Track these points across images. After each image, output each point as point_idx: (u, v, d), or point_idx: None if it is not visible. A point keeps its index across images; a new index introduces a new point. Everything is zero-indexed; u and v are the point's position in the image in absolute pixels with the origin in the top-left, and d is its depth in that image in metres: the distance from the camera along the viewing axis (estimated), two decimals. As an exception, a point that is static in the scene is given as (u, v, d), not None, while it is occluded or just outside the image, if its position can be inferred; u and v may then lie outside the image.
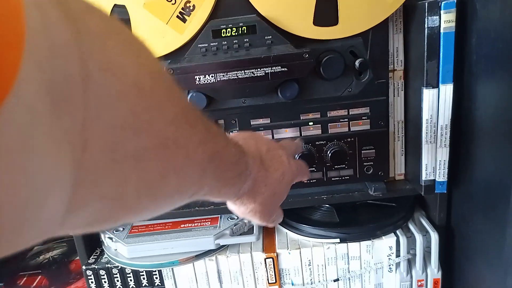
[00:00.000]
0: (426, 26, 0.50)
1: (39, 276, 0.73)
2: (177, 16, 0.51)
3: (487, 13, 0.47)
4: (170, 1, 0.51)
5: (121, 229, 0.64)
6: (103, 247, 0.65)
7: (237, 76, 0.51)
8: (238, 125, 0.57)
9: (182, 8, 0.51)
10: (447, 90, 0.52)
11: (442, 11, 0.49)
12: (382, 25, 0.52)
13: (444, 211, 0.60)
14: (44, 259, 0.78)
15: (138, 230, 0.64)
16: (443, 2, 0.49)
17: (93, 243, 0.66)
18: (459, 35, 0.50)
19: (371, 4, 0.51)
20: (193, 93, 0.54)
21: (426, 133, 0.54)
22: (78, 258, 0.80)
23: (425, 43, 0.50)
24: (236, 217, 0.64)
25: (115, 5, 0.51)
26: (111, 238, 0.62)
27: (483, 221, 0.53)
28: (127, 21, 0.51)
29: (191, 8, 0.51)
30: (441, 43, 0.50)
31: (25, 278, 0.73)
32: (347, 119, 0.57)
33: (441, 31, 0.50)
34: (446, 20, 0.49)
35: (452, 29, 0.50)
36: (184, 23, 0.52)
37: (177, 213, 0.63)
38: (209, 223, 0.64)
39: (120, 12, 0.51)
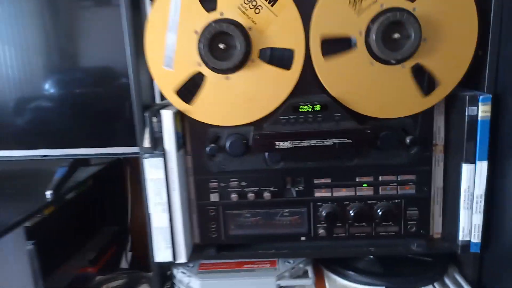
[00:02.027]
0: (466, 114, 0.62)
1: (107, 304, 0.82)
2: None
3: (517, 107, 0.59)
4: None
5: (191, 265, 0.74)
6: (173, 281, 0.74)
7: (310, 144, 0.63)
8: (303, 183, 0.68)
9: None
10: (482, 166, 0.63)
11: (480, 103, 0.61)
12: (429, 109, 0.65)
13: (477, 269, 0.69)
14: (107, 288, 0.87)
15: (207, 267, 0.73)
16: (481, 96, 0.61)
17: (164, 278, 0.75)
18: (494, 122, 0.62)
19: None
20: (270, 153, 0.66)
21: (464, 200, 0.64)
22: (139, 289, 0.89)
23: (465, 128, 0.62)
24: (292, 261, 0.73)
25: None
26: (184, 273, 0.72)
27: (513, 280, 0.61)
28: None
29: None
30: (479, 128, 0.62)
31: (93, 305, 0.82)
32: (396, 183, 0.68)
33: (479, 118, 0.62)
34: (483, 110, 0.61)
35: (488, 117, 0.61)
36: (269, 99, 0.64)
37: (240, 254, 0.72)
38: (269, 265, 0.73)
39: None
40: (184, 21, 0.61)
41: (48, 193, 0.77)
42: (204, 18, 0.60)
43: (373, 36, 0.58)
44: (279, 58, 0.62)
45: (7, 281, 0.72)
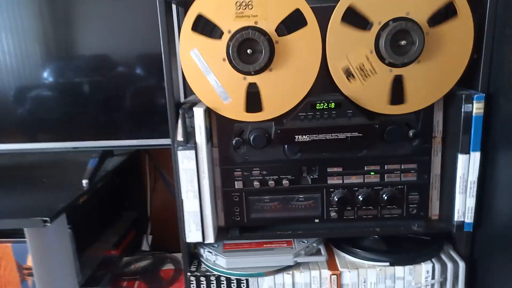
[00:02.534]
0: (462, 110, 0.70)
1: (137, 282, 0.90)
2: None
3: (506, 104, 0.68)
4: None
5: (216, 245, 0.82)
6: (200, 259, 0.83)
7: (325, 138, 0.71)
8: (317, 171, 0.77)
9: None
10: (476, 156, 0.72)
11: (474, 101, 0.70)
12: (430, 106, 0.73)
13: (469, 246, 0.79)
14: (135, 268, 0.95)
15: (230, 247, 0.82)
16: (475, 95, 0.69)
17: (191, 257, 0.84)
18: (487, 118, 0.71)
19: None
20: (289, 145, 0.74)
21: (459, 186, 0.73)
22: (165, 268, 0.98)
23: (461, 122, 0.70)
24: (306, 241, 0.82)
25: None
26: (210, 252, 0.80)
27: (501, 256, 0.71)
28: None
29: (294, 86, 0.72)
30: (473, 123, 0.70)
31: (125, 282, 0.90)
32: (399, 171, 0.76)
33: (473, 114, 0.70)
34: (477, 108, 0.70)
35: (481, 114, 0.70)
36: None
37: (261, 235, 0.81)
38: (286, 244, 0.82)
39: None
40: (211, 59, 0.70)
41: (85, 182, 0.85)
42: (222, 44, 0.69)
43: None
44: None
45: (52, 261, 0.81)
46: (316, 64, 0.70)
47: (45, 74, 0.93)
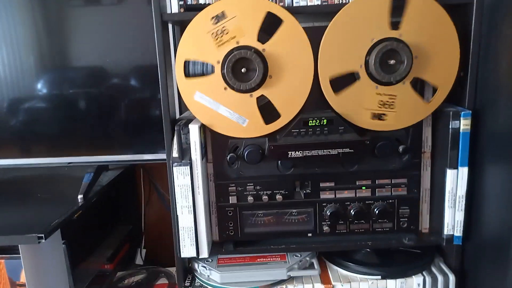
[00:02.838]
0: (450, 127, 0.72)
1: (131, 296, 0.90)
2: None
3: (491, 120, 0.70)
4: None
5: (211, 260, 0.83)
6: (194, 274, 0.83)
7: (318, 153, 0.73)
8: (310, 186, 0.78)
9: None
10: (464, 171, 0.74)
11: (461, 118, 0.72)
12: (419, 122, 0.75)
13: (459, 259, 0.80)
14: (129, 282, 0.95)
15: (224, 262, 0.82)
16: (462, 112, 0.72)
17: (185, 271, 0.84)
18: (474, 134, 0.73)
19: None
20: (283, 161, 0.75)
21: (448, 200, 0.75)
22: (159, 282, 0.98)
23: (449, 139, 0.72)
24: (299, 255, 0.83)
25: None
26: (204, 267, 0.81)
27: (489, 267, 0.73)
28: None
29: (287, 103, 0.73)
30: (460, 139, 0.72)
31: (119, 297, 0.90)
32: (390, 186, 0.78)
33: (461, 131, 0.72)
34: (464, 124, 0.72)
35: (468, 130, 0.72)
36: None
37: (254, 249, 0.82)
38: (279, 258, 0.83)
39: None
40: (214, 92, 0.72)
41: (80, 197, 0.85)
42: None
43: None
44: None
45: (46, 277, 0.80)
46: (308, 53, 0.70)
47: (39, 88, 0.94)
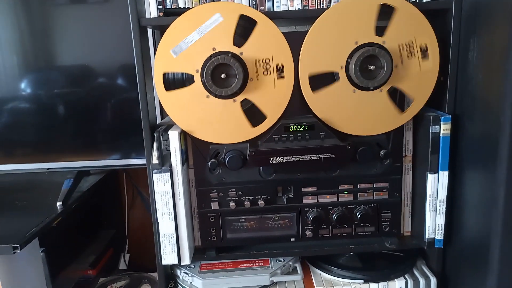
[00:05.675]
0: (430, 131, 0.73)
1: (113, 303, 0.89)
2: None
3: (471, 125, 0.70)
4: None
5: (193, 266, 0.82)
6: (177, 280, 0.82)
7: (299, 159, 0.72)
8: (292, 191, 0.78)
9: (262, 109, 0.73)
10: (444, 175, 0.74)
11: (441, 122, 0.72)
12: (400, 127, 0.75)
13: (440, 261, 0.81)
14: (111, 289, 0.94)
15: (207, 268, 0.82)
16: (442, 117, 0.72)
17: (167, 278, 0.83)
18: (454, 138, 0.73)
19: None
20: (264, 167, 0.75)
21: (429, 204, 0.76)
22: (142, 289, 0.96)
23: (430, 143, 0.73)
24: (283, 260, 0.83)
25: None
26: (187, 273, 0.80)
27: (470, 270, 0.73)
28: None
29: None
30: (441, 144, 0.73)
31: (101, 305, 0.89)
32: (372, 190, 0.78)
33: (441, 135, 0.73)
34: (445, 128, 0.72)
35: (448, 134, 0.73)
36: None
37: (237, 255, 0.81)
38: (262, 264, 0.82)
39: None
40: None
41: (59, 204, 0.84)
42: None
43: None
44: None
45: (24, 285, 0.79)
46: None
47: (16, 91, 0.92)
